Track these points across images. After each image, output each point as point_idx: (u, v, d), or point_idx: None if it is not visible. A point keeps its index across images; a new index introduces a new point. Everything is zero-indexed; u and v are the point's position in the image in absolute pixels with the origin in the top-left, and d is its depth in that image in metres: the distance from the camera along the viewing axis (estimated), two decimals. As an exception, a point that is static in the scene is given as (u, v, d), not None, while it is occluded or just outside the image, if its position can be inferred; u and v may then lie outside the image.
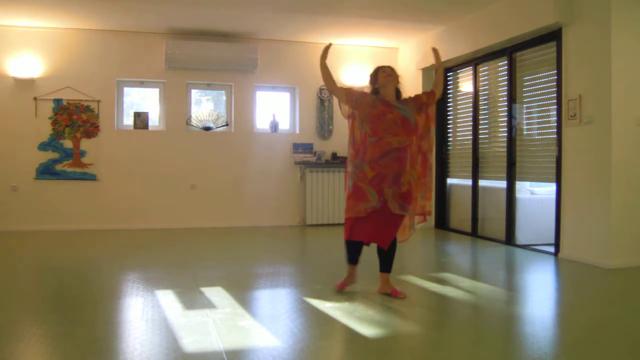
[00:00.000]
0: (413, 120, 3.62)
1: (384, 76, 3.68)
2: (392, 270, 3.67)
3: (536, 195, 6.19)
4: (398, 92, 3.74)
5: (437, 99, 3.82)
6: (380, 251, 3.69)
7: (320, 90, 7.67)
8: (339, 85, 3.84)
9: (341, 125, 7.79)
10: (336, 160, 7.68)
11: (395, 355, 2.68)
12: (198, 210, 7.34)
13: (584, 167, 4.92)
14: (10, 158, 6.78)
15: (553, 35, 5.28)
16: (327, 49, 3.75)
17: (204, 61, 7.11)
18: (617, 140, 4.64)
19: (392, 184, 3.53)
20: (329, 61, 3.76)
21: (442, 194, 7.40)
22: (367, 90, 3.82)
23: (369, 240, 3.69)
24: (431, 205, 3.87)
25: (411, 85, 7.60)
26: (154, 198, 7.20)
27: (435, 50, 3.93)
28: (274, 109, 7.79)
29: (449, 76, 7.26)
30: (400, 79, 3.74)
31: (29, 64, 6.80)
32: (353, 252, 3.72)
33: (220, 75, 7.42)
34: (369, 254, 3.78)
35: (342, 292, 3.70)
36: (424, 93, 3.81)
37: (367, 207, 3.54)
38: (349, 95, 3.69)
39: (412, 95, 3.79)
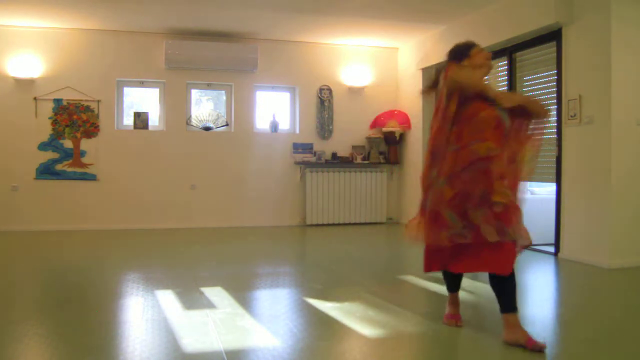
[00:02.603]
0: (508, 124, 2.77)
1: (482, 57, 2.80)
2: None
3: (536, 195, 6.18)
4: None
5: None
6: (493, 282, 2.81)
7: (320, 90, 7.67)
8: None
9: (341, 125, 7.80)
10: (336, 161, 7.68)
11: (395, 355, 2.68)
12: (198, 210, 7.34)
13: (584, 167, 4.92)
14: (10, 158, 6.78)
15: (553, 35, 5.27)
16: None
17: (204, 61, 7.11)
18: (617, 140, 4.64)
19: (480, 204, 2.68)
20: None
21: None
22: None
23: (473, 270, 2.92)
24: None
25: (411, 85, 7.62)
26: (154, 198, 7.20)
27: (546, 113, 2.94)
28: (274, 109, 7.79)
29: (449, 76, 7.24)
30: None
31: (29, 64, 6.80)
32: (448, 279, 3.13)
33: (220, 75, 7.42)
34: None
35: (455, 326, 3.03)
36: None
37: (450, 234, 2.73)
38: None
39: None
